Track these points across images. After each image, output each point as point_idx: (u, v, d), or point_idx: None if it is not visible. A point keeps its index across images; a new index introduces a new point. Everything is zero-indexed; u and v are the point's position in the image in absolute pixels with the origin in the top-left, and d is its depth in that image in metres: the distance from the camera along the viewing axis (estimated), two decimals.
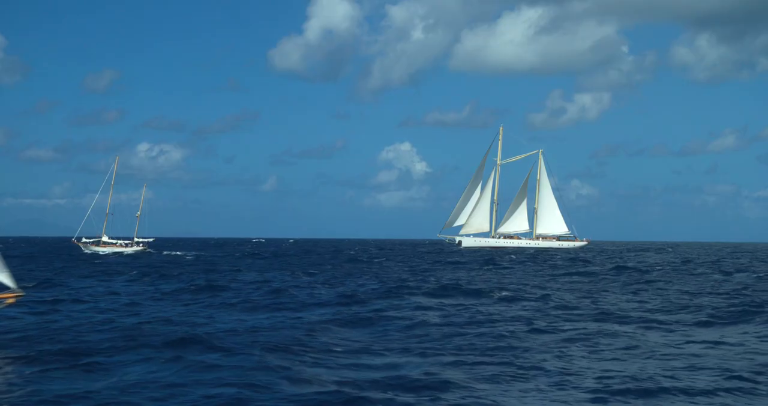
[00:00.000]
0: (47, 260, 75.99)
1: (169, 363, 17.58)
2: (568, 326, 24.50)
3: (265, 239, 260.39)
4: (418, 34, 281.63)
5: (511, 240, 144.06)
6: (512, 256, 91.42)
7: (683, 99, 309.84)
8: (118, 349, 19.48)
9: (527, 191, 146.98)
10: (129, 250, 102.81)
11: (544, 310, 29.06)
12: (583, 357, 18.99)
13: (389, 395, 14.71)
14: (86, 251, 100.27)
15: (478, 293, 35.54)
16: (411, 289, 37.02)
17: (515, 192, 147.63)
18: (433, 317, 26.61)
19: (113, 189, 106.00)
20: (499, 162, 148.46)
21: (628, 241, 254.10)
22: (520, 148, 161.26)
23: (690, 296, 35.10)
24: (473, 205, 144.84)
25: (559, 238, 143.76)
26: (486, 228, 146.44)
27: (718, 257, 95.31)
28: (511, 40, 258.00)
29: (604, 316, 26.96)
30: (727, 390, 15.30)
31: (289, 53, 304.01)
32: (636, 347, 20.50)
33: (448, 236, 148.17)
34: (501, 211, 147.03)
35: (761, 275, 52.47)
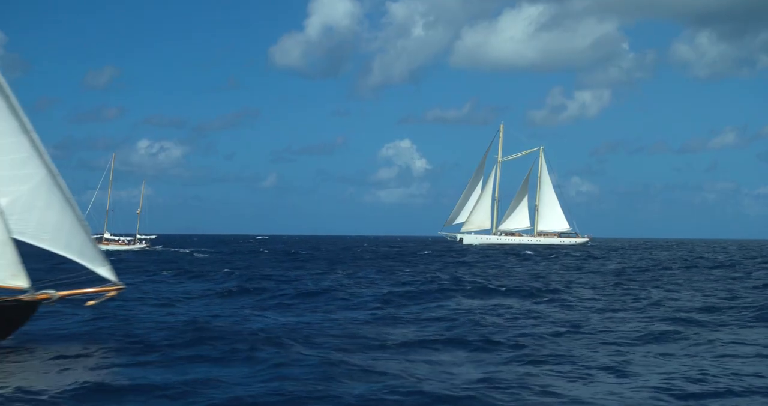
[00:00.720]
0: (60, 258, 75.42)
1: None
2: (629, 325, 24.61)
3: (269, 236, 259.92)
4: (418, 31, 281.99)
5: (513, 237, 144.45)
6: (528, 252, 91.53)
7: (683, 96, 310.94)
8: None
9: (528, 188, 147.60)
10: (134, 247, 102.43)
11: (597, 308, 29.20)
12: (657, 356, 18.87)
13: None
14: None
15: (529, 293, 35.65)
16: (452, 290, 36.99)
17: (516, 189, 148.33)
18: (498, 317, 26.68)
19: (112, 186, 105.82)
20: (499, 159, 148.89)
21: (628, 238, 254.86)
22: (520, 146, 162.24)
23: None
24: (474, 202, 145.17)
25: (560, 235, 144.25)
26: (487, 225, 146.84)
27: (731, 255, 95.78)
28: (512, 37, 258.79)
29: (664, 314, 27.05)
30: None
31: (289, 50, 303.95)
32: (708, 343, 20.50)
33: (449, 234, 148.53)
34: (502, 208, 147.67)
35: None
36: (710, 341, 20.73)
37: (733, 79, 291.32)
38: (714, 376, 16.16)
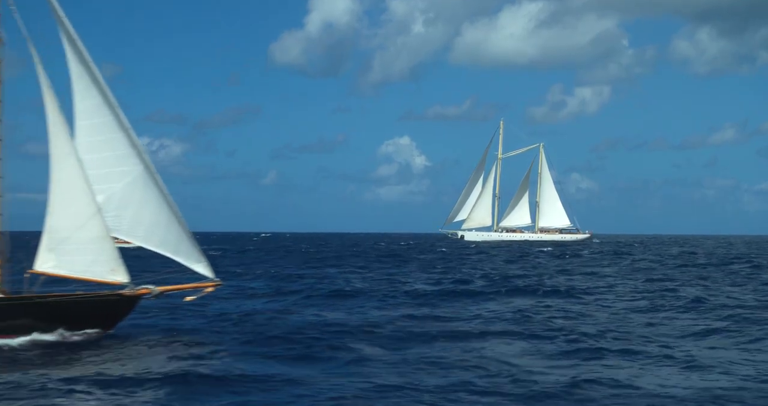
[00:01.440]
0: None
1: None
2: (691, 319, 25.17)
3: (270, 234, 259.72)
4: (418, 27, 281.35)
5: (514, 234, 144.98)
6: (544, 249, 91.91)
7: (683, 93, 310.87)
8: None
9: (529, 185, 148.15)
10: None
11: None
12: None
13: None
14: None
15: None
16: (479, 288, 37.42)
17: (516, 186, 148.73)
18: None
19: None
20: (500, 156, 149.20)
21: (628, 234, 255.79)
22: (520, 143, 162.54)
23: None
24: (475, 199, 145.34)
25: (561, 231, 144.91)
26: (488, 222, 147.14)
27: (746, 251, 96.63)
28: (512, 34, 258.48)
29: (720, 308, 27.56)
30: None
31: (289, 47, 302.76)
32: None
33: (450, 231, 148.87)
34: (503, 205, 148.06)
35: None
36: None
37: (733, 76, 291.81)
38: None
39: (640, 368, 17.04)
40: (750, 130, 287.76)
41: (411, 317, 25.30)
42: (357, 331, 22.03)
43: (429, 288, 35.05)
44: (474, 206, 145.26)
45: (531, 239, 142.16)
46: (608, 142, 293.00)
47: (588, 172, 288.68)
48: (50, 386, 15.25)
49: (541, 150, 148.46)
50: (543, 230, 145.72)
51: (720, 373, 16.44)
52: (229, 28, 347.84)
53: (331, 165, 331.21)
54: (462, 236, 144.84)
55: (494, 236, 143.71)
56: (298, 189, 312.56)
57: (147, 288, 21.21)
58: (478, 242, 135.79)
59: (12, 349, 19.34)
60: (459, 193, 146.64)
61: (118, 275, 21.22)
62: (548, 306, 28.19)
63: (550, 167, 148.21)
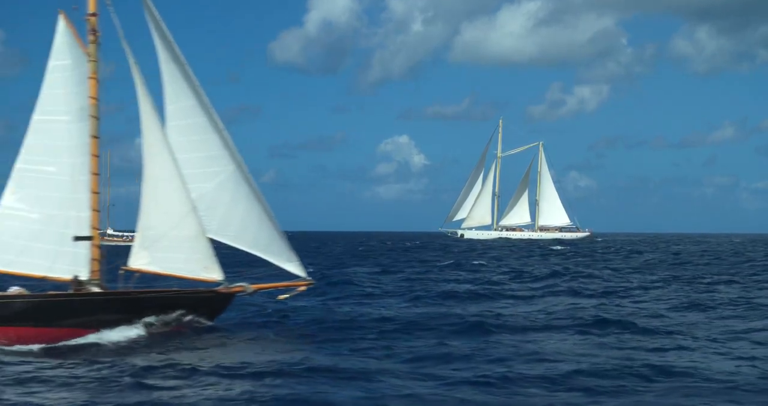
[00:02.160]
0: None
1: None
2: None
3: None
4: (417, 26, 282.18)
5: (514, 232, 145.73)
6: (558, 247, 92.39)
7: (682, 91, 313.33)
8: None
9: (528, 183, 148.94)
10: None
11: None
12: None
13: None
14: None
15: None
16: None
17: (516, 184, 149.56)
18: None
19: (111, 182, 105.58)
20: (499, 155, 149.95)
21: (627, 232, 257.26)
22: (519, 141, 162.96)
23: None
24: (474, 198, 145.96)
25: (561, 229, 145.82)
26: (488, 221, 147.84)
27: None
28: (511, 32, 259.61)
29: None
30: None
31: (288, 46, 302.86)
32: None
33: (450, 230, 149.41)
34: (502, 203, 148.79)
35: None
36: None
37: (732, 74, 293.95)
38: None
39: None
40: (749, 128, 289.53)
41: (480, 313, 25.72)
42: (417, 325, 22.66)
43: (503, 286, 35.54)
44: (474, 204, 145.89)
45: (530, 237, 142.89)
46: (607, 140, 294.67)
47: (587, 171, 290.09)
48: (172, 372, 16.22)
49: (541, 149, 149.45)
50: (543, 229, 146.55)
51: None
52: (228, 26, 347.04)
53: (329, 163, 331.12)
54: (462, 235, 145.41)
55: (494, 235, 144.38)
56: (296, 187, 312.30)
57: (241, 286, 21.56)
58: (480, 240, 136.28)
59: (122, 341, 19.78)
60: (458, 191, 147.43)
61: (213, 273, 21.55)
62: (603, 303, 28.64)
63: (550, 166, 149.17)
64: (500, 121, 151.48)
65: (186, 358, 17.67)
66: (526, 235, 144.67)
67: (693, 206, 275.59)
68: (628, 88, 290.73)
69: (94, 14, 21.88)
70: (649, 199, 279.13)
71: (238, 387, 14.83)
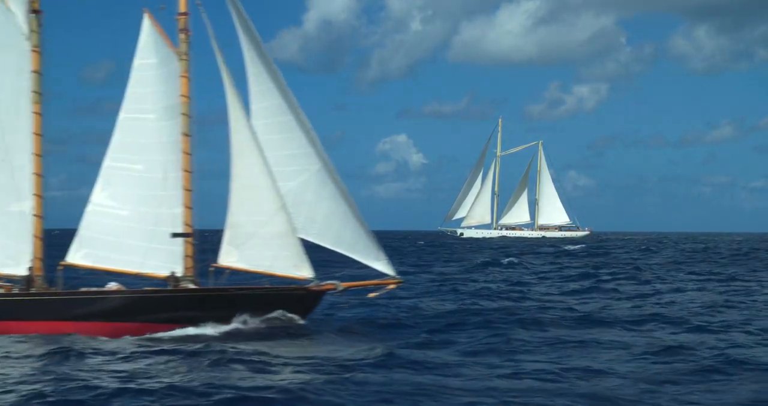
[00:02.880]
0: None
1: None
2: None
3: None
4: (416, 25, 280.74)
5: (513, 231, 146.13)
6: (573, 246, 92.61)
7: (681, 90, 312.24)
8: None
9: (528, 182, 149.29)
10: None
11: None
12: None
13: None
14: None
15: None
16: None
17: (515, 183, 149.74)
18: None
19: None
20: (498, 153, 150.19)
21: (625, 231, 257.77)
22: (519, 139, 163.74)
23: None
24: (474, 197, 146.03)
25: (560, 228, 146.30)
26: (487, 220, 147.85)
27: None
28: (510, 31, 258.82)
29: None
30: None
31: (287, 45, 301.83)
32: None
33: (449, 229, 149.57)
34: (502, 202, 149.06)
35: None
36: None
37: (730, 73, 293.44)
38: None
39: None
40: (747, 127, 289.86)
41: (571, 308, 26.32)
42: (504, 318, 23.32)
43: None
44: (473, 203, 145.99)
45: (530, 236, 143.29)
46: (606, 139, 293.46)
47: (585, 169, 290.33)
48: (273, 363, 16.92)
49: (540, 148, 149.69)
50: (542, 228, 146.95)
51: None
52: (225, 25, 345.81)
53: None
54: (461, 234, 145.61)
55: (494, 234, 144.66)
56: None
57: (332, 284, 21.72)
58: (481, 239, 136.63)
59: (224, 335, 20.15)
60: (457, 190, 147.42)
61: (303, 271, 21.70)
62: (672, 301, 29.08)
63: (549, 165, 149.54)
64: (500, 120, 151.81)
65: (274, 350, 18.16)
66: (525, 234, 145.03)
67: (691, 204, 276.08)
68: (627, 87, 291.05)
69: (184, 13, 22.07)
70: (647, 198, 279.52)
71: (323, 377, 15.34)
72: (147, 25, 22.57)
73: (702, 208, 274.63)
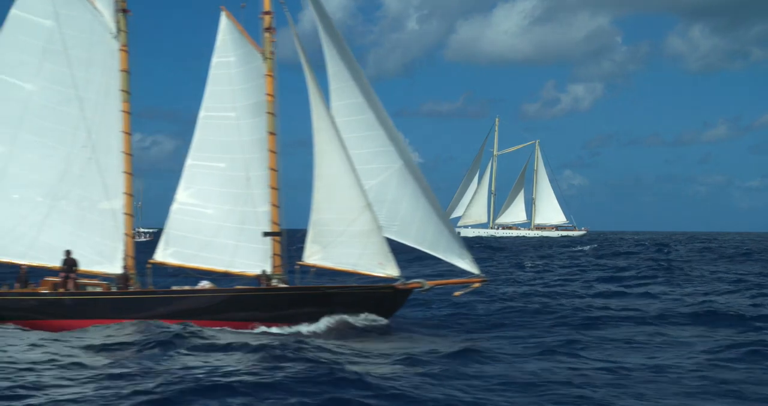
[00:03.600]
0: None
1: None
2: None
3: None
4: (412, 24, 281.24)
5: (510, 231, 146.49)
6: (584, 248, 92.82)
7: (676, 89, 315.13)
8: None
9: (524, 182, 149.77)
10: (138, 240, 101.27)
11: None
12: None
13: None
14: None
15: None
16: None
17: (511, 182, 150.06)
18: None
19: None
20: (495, 153, 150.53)
21: (621, 230, 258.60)
22: (515, 139, 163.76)
23: None
24: (471, 196, 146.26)
25: (557, 228, 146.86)
26: (484, 219, 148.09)
27: None
28: (506, 30, 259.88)
29: None
30: None
31: (283, 44, 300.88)
32: None
33: None
34: (498, 202, 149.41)
35: None
36: None
37: (725, 72, 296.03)
38: None
39: None
40: (743, 127, 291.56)
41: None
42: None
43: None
44: (470, 203, 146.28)
45: (527, 235, 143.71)
46: (601, 138, 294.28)
47: (580, 169, 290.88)
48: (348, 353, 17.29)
49: (537, 147, 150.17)
50: (539, 227, 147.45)
51: None
52: None
53: None
54: (458, 233, 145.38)
55: (491, 233, 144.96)
56: (291, 185, 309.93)
57: (418, 282, 21.77)
58: (488, 237, 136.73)
59: (314, 333, 20.24)
60: (453, 189, 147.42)
61: (388, 269, 21.71)
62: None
63: (546, 164, 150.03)
64: (497, 119, 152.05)
65: (359, 344, 18.42)
66: (522, 233, 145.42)
67: (686, 204, 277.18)
68: (623, 87, 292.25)
69: (268, 12, 22.02)
70: (642, 198, 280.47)
71: (412, 369, 15.61)
72: (224, 24, 22.52)
73: (697, 207, 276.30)
